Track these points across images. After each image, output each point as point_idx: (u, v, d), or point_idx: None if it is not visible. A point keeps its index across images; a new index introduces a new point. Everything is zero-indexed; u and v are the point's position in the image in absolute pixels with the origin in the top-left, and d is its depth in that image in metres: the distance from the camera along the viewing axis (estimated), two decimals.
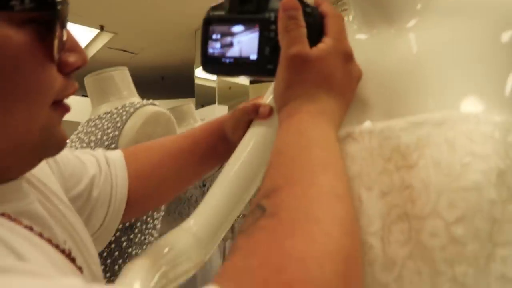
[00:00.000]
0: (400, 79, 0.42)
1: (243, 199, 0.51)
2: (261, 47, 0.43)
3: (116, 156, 0.61)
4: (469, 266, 0.32)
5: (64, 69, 0.34)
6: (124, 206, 0.58)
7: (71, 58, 0.35)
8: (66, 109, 0.37)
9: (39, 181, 0.43)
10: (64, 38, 0.33)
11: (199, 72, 5.82)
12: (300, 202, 0.30)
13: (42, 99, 0.32)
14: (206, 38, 0.46)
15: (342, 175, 0.35)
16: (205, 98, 5.29)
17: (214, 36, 0.45)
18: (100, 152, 0.61)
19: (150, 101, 1.14)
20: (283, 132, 0.38)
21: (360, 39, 0.48)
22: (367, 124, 0.41)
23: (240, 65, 0.44)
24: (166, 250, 0.46)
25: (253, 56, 0.44)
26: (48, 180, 0.45)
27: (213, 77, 5.62)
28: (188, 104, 1.76)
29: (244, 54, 0.44)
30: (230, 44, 0.45)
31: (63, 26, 0.33)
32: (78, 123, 1.19)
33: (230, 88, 5.36)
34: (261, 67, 0.44)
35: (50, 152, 0.37)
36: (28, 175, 0.41)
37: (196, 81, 5.74)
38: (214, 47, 0.45)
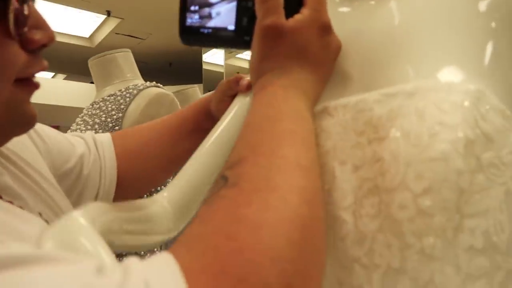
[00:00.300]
0: (381, 50, 0.41)
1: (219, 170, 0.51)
2: (239, 17, 0.42)
3: (104, 138, 0.62)
4: (437, 238, 0.32)
5: (28, 46, 0.34)
6: (114, 187, 0.59)
7: (37, 36, 0.34)
8: (35, 86, 0.36)
9: (14, 154, 0.43)
10: (26, 13, 0.33)
11: (207, 57, 5.81)
12: (262, 172, 0.29)
13: (2, 76, 0.32)
14: (184, 8, 0.45)
15: (309, 147, 0.34)
16: (213, 83, 5.28)
17: (192, 8, 0.45)
18: (88, 134, 0.62)
19: (153, 83, 1.14)
20: (255, 105, 0.38)
21: (342, 11, 0.47)
22: (342, 97, 0.41)
23: (218, 36, 0.44)
24: (133, 210, 0.46)
25: (231, 27, 0.43)
26: (28, 155, 0.46)
27: (221, 61, 5.61)
28: (193, 87, 1.76)
29: (222, 25, 0.43)
30: (209, 15, 0.44)
31: (24, 1, 0.32)
32: None
33: (238, 73, 5.34)
34: (238, 38, 0.43)
35: (18, 130, 0.37)
36: (2, 148, 0.41)
37: (204, 67, 5.73)
38: (193, 18, 0.45)
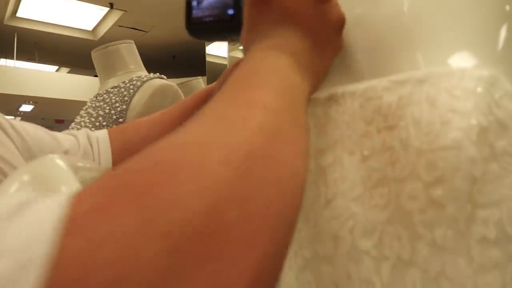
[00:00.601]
0: (390, 36, 0.40)
1: None
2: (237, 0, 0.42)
3: (99, 133, 0.61)
4: (448, 229, 0.31)
5: None
6: None
7: None
8: None
9: None
10: None
11: (211, 49, 5.79)
12: (222, 109, 0.26)
13: None
14: (189, 1, 0.44)
15: (283, 96, 0.29)
16: (217, 76, 5.24)
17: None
18: (82, 130, 0.61)
19: (157, 74, 1.13)
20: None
21: None
22: (349, 84, 0.40)
23: (220, 23, 0.43)
24: None
25: (230, 11, 0.42)
26: (5, 152, 0.45)
27: (225, 54, 5.59)
28: (197, 79, 1.76)
29: (222, 10, 0.42)
30: (210, 4, 0.43)
31: None
32: None
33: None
34: (238, 22, 0.42)
35: None
36: None
37: (208, 59, 5.71)
38: (197, 8, 0.44)
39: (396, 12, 0.40)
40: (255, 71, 0.31)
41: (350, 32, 0.43)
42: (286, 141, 0.26)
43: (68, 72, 11.72)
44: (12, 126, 0.51)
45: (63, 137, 0.57)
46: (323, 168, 0.39)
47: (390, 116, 0.34)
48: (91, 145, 0.58)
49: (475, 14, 0.37)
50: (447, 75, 0.33)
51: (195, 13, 0.44)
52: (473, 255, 0.31)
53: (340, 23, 0.39)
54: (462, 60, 0.35)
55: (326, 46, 0.37)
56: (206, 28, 0.43)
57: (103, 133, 0.60)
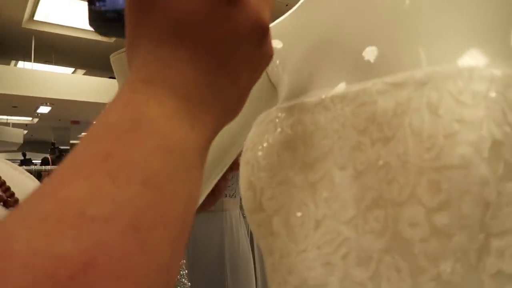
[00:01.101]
0: (387, 30, 0.34)
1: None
2: None
3: None
4: (456, 262, 0.26)
5: None
6: None
7: None
8: None
9: None
10: None
11: None
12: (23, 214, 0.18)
13: None
14: None
15: (129, 180, 0.19)
16: None
17: None
18: None
19: None
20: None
21: None
22: (340, 87, 0.34)
23: (122, 20, 0.36)
24: None
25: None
26: None
27: None
28: None
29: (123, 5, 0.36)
30: None
31: None
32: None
33: None
34: None
35: None
36: None
37: None
38: (101, 1, 0.39)
39: (394, 3, 0.35)
40: (103, 130, 0.21)
41: (340, 24, 0.37)
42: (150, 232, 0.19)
43: (84, 74, 11.87)
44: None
45: None
46: (312, 184, 0.34)
47: (385, 125, 0.29)
48: None
49: (484, 6, 0.31)
50: (452, 75, 0.27)
51: (98, 6, 0.39)
52: None
53: (257, 32, 0.26)
54: (470, 58, 0.29)
55: (239, 65, 0.26)
56: (110, 26, 0.39)
57: None
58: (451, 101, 0.26)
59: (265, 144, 0.36)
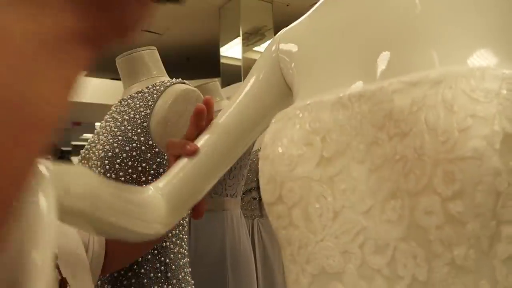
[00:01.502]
0: (400, 33, 0.36)
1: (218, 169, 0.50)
2: None
3: None
4: (469, 248, 0.28)
5: None
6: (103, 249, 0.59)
7: None
8: None
9: None
10: None
11: (225, 51, 5.78)
12: None
13: None
14: None
15: None
16: (231, 77, 5.25)
17: None
18: None
19: (179, 79, 1.16)
20: None
21: None
22: (357, 86, 0.36)
23: None
24: (126, 190, 0.43)
25: None
26: None
27: (239, 55, 5.57)
28: (214, 81, 1.75)
29: None
30: None
31: None
32: (110, 106, 1.23)
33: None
34: None
35: None
36: None
37: (222, 60, 5.70)
38: None
39: (405, 6, 0.37)
40: None
41: (356, 27, 0.39)
42: None
43: (85, 75, 11.86)
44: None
45: None
46: (330, 178, 0.36)
47: (402, 121, 0.31)
48: None
49: (493, 9, 0.33)
50: (465, 75, 0.29)
51: None
52: (498, 277, 0.28)
53: None
54: (481, 58, 0.31)
55: None
56: None
57: None
58: (464, 98, 0.28)
59: (284, 140, 0.38)
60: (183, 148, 0.49)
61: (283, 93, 0.50)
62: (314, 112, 0.38)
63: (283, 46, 0.48)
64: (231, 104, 0.51)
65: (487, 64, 0.31)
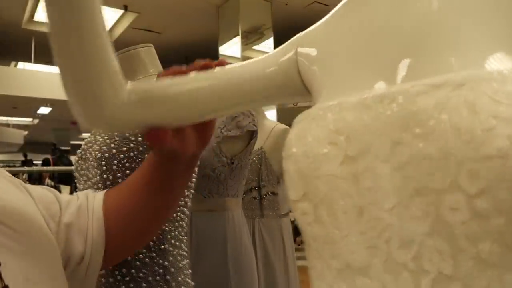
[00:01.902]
0: (419, 36, 0.38)
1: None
2: None
3: (98, 195, 0.64)
4: (494, 242, 0.29)
5: None
6: (103, 237, 0.59)
7: None
8: None
9: None
10: None
11: (224, 50, 5.79)
12: None
13: None
14: None
15: None
16: None
17: None
18: (83, 192, 0.64)
19: None
20: None
21: None
22: (380, 88, 0.38)
23: None
24: None
25: None
26: None
27: (238, 54, 5.58)
28: None
29: None
30: None
31: None
32: None
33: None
34: None
35: None
36: None
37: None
38: None
39: (423, 11, 0.39)
40: None
41: (377, 32, 0.41)
42: None
43: None
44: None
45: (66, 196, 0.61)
46: (354, 176, 0.37)
47: (426, 122, 0.33)
48: (87, 199, 0.62)
49: (508, 12, 0.35)
50: (487, 78, 0.31)
51: None
52: None
53: None
54: (501, 62, 0.33)
55: None
56: None
57: (100, 194, 0.64)
58: (487, 100, 0.30)
59: (309, 139, 0.40)
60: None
61: (296, 92, 0.50)
62: (337, 112, 0.39)
63: (301, 49, 0.49)
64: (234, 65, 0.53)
65: (506, 67, 0.32)
